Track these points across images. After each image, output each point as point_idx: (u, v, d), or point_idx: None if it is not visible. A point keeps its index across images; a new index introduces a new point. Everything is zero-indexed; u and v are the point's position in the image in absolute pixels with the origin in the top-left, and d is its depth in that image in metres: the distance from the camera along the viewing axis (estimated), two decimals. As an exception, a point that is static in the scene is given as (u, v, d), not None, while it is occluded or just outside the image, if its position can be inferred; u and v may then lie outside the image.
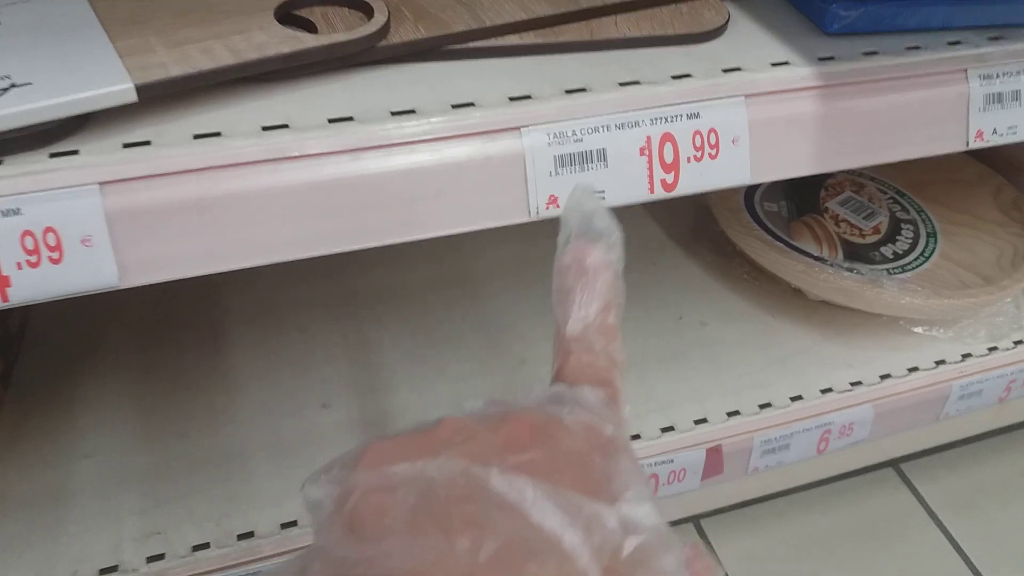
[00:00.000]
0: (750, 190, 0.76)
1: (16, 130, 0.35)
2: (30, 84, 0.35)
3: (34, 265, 0.35)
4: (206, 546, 0.53)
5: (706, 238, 0.77)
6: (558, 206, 0.41)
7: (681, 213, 0.82)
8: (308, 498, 0.26)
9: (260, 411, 0.63)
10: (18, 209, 0.34)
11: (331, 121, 0.39)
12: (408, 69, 0.43)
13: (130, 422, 0.62)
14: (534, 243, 0.80)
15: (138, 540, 0.54)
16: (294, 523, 0.54)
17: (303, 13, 0.43)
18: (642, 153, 0.41)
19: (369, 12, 0.42)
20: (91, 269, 0.35)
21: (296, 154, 0.38)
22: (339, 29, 0.42)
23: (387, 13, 0.42)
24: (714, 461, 0.64)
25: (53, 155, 0.36)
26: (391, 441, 0.26)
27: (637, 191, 0.42)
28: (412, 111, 0.40)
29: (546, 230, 0.80)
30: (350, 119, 0.39)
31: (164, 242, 0.36)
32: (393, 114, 0.40)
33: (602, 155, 0.41)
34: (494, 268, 0.77)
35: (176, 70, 0.37)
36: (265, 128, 0.38)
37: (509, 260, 0.78)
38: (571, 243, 0.32)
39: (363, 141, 0.38)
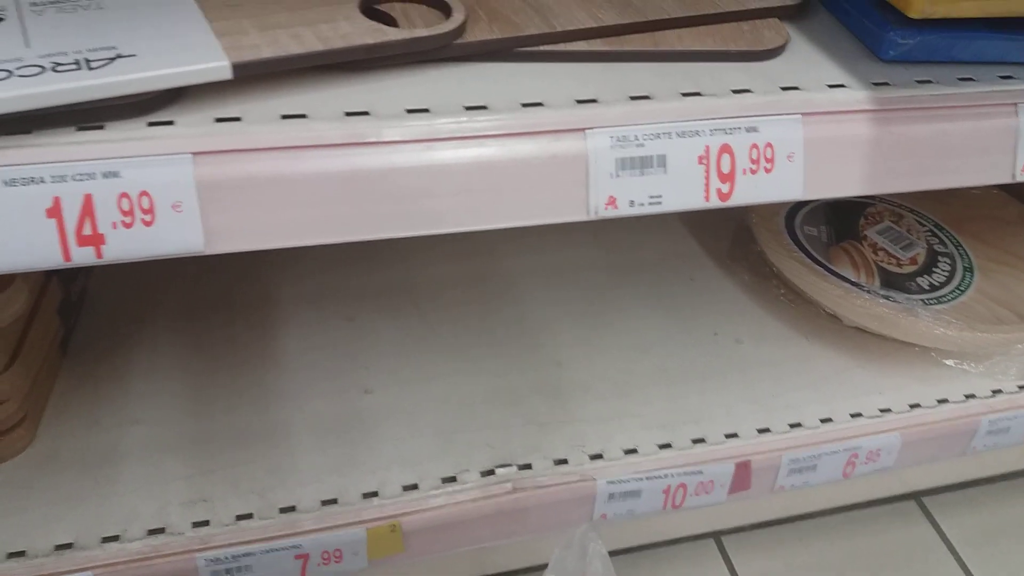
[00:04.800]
0: (791, 213, 0.77)
1: (119, 98, 0.37)
2: (134, 56, 0.38)
3: (128, 226, 0.37)
4: (249, 516, 0.55)
5: (744, 258, 0.79)
6: (616, 207, 0.43)
7: (719, 232, 0.84)
8: None
9: (305, 392, 0.65)
10: (117, 172, 0.37)
11: (408, 111, 0.41)
12: (480, 67, 0.45)
13: (180, 392, 0.64)
14: (568, 250, 0.82)
15: (184, 505, 0.56)
16: (334, 500, 0.56)
17: (384, 8, 0.45)
18: (700, 162, 0.43)
19: (447, 11, 0.44)
20: (180, 234, 0.38)
21: (375, 140, 0.40)
22: (418, 25, 0.44)
23: (465, 12, 0.44)
24: (742, 476, 0.65)
25: (151, 124, 0.38)
26: None
27: (693, 198, 0.44)
28: (484, 107, 0.42)
29: (579, 237, 0.83)
30: (426, 111, 0.41)
31: (248, 213, 0.38)
32: (466, 109, 0.42)
33: (662, 161, 0.43)
34: (530, 271, 0.79)
35: (268, 52, 0.39)
36: (347, 114, 0.40)
37: (545, 264, 0.80)
38: None
39: (437, 132, 0.41)
